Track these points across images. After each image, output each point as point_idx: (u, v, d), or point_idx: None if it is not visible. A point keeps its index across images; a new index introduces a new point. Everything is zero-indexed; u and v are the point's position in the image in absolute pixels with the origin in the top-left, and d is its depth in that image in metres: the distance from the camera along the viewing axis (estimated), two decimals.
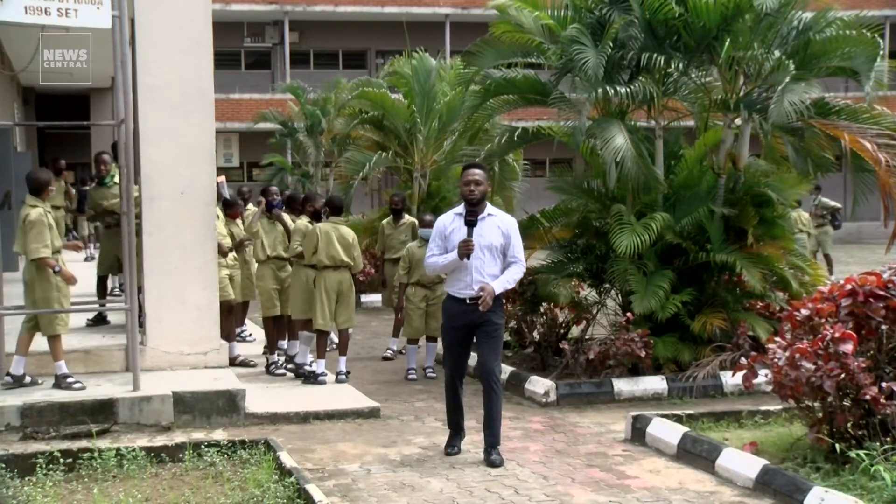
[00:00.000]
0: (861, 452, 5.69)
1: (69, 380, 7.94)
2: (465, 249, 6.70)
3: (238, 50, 35.06)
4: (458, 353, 6.98)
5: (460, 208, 6.96)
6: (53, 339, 7.95)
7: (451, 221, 6.95)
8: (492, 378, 6.83)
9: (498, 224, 6.87)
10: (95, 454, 6.64)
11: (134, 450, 6.73)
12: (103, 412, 7.61)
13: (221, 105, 26.08)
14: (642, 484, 6.42)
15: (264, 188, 10.22)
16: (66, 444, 7.07)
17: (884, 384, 5.84)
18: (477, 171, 6.93)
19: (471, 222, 6.75)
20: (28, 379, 8.02)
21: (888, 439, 5.76)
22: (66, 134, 27.52)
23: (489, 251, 6.79)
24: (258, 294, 10.09)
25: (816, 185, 18.89)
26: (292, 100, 24.00)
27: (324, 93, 22.32)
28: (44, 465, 6.43)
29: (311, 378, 9.27)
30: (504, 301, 7.82)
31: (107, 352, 8.73)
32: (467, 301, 6.79)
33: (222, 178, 10.89)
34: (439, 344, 9.97)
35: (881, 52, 9.37)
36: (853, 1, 22.41)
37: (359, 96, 17.07)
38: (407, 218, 12.06)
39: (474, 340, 6.98)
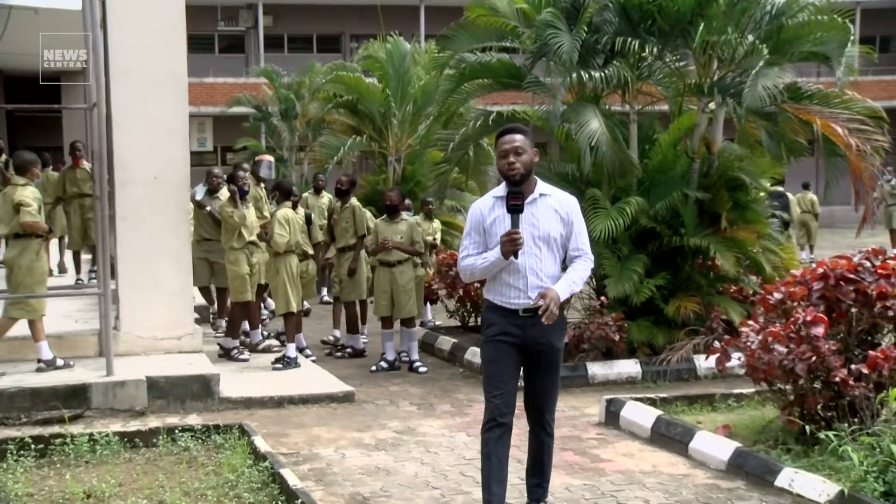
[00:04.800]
0: (830, 434, 5.75)
1: (59, 362, 8.10)
2: (512, 245, 4.85)
3: (212, 34, 34.82)
4: (508, 380, 5.04)
5: (501, 190, 5.07)
6: (31, 323, 8.04)
7: (490, 208, 5.07)
8: (547, 425, 5.28)
9: (555, 207, 5.04)
10: (68, 440, 6.59)
11: (107, 435, 6.68)
12: (76, 397, 7.57)
13: (195, 89, 25.90)
14: (616, 467, 6.45)
15: (232, 174, 10.07)
16: (37, 430, 7.02)
17: (853, 366, 5.90)
18: (517, 135, 5.02)
19: (515, 207, 4.87)
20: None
21: (856, 420, 5.83)
22: (36, 118, 27.23)
23: (546, 245, 5.00)
24: (229, 279, 9.96)
25: (887, 167, 19.50)
26: (266, 84, 23.90)
27: (298, 77, 22.24)
28: (14, 452, 6.38)
29: (290, 363, 9.27)
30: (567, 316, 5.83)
31: (80, 337, 8.67)
32: (521, 313, 4.98)
33: (270, 158, 10.95)
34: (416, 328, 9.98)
35: (852, 38, 9.45)
36: None
37: (333, 80, 16.99)
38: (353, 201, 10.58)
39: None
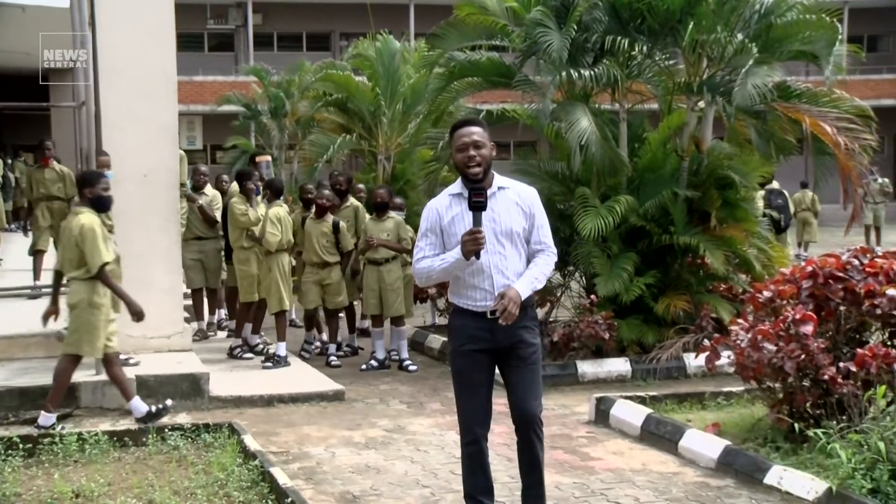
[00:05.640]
0: (818, 431, 5.78)
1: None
2: (474, 245, 4.56)
3: (201, 32, 34.76)
4: (481, 392, 4.79)
5: (457, 187, 4.82)
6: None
7: (447, 207, 4.79)
8: (534, 426, 4.81)
9: (515, 199, 4.78)
10: (56, 439, 6.57)
11: (96, 434, 6.66)
12: (65, 396, 7.52)
13: (184, 87, 25.77)
14: (606, 465, 6.46)
15: (242, 172, 10.08)
16: (26, 430, 6.99)
17: (841, 364, 5.92)
18: (475, 127, 4.75)
19: (477, 205, 4.58)
20: None
21: (844, 418, 5.86)
22: (23, 115, 27.09)
23: (509, 240, 4.73)
24: (239, 279, 9.96)
25: (874, 165, 20.00)
26: (256, 82, 23.84)
27: (287, 75, 22.18)
28: (2, 451, 6.36)
29: (280, 361, 9.25)
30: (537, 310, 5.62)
31: None
32: (488, 315, 4.70)
33: (268, 158, 10.82)
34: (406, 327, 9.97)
35: (840, 37, 9.49)
36: None
37: (323, 79, 16.95)
38: (352, 201, 10.65)
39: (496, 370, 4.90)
